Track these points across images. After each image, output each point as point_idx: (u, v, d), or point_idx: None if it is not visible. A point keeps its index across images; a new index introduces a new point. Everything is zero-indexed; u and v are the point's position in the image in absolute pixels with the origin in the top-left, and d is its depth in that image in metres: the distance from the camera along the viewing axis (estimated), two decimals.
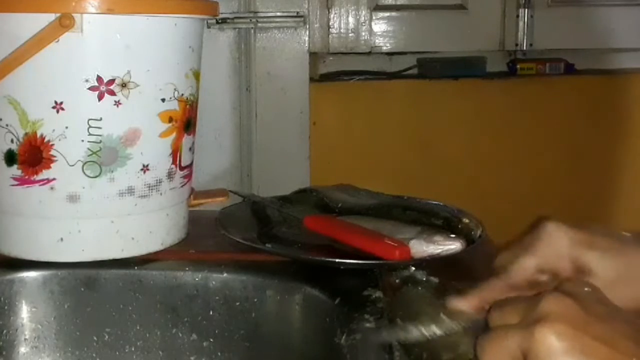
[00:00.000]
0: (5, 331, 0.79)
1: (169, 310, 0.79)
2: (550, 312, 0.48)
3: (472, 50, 1.95)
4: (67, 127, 0.76)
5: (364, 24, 1.88)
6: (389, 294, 0.71)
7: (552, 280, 0.57)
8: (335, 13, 1.87)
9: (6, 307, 0.78)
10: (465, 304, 0.61)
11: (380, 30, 1.89)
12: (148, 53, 0.78)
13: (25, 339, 0.80)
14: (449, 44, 1.92)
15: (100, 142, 0.77)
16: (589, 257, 0.56)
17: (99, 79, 0.75)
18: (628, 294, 0.55)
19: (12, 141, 0.77)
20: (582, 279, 0.54)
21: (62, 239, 0.79)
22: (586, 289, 0.50)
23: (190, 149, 0.86)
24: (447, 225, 0.85)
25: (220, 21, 1.72)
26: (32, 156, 0.77)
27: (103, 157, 0.77)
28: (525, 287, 0.58)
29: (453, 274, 0.74)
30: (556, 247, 0.57)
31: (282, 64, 1.76)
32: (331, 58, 1.94)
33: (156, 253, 0.83)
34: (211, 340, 0.79)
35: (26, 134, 0.76)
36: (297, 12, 1.74)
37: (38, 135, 0.76)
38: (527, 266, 0.58)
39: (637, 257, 0.57)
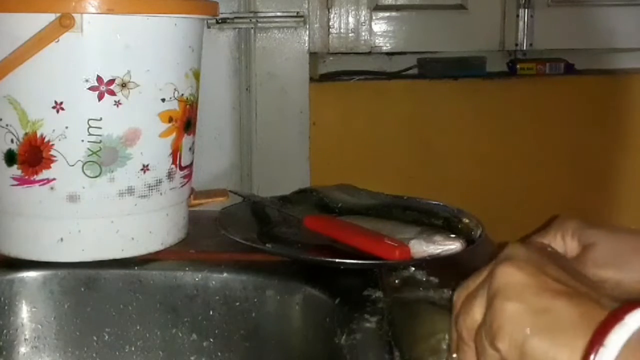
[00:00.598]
0: (5, 331, 0.79)
1: (169, 310, 0.79)
2: (512, 254, 0.50)
3: (472, 50, 1.94)
4: (67, 127, 0.76)
5: (364, 24, 1.88)
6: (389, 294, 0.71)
7: None
8: (335, 13, 1.87)
9: (6, 307, 0.78)
10: None
11: (380, 30, 1.89)
12: (148, 53, 0.78)
13: (25, 339, 0.80)
14: (449, 44, 1.92)
15: (100, 142, 0.77)
16: (591, 232, 0.63)
17: (99, 79, 0.75)
18: (629, 268, 0.62)
19: (12, 141, 0.77)
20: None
21: (62, 239, 0.79)
22: (549, 249, 0.54)
23: (190, 149, 0.86)
24: (447, 225, 0.85)
25: (220, 21, 1.71)
26: (32, 156, 0.77)
27: (103, 157, 0.77)
28: None
29: (453, 274, 0.74)
30: (565, 231, 0.64)
31: (282, 64, 1.76)
32: (331, 58, 1.94)
33: (156, 253, 0.83)
34: (211, 340, 0.79)
35: (26, 134, 0.76)
36: (297, 12, 1.74)
37: (38, 135, 0.76)
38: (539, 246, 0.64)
39: (635, 236, 0.63)
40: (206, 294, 0.79)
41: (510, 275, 0.48)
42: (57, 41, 0.74)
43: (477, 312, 0.50)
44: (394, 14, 1.89)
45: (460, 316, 0.52)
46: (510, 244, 0.52)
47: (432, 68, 1.93)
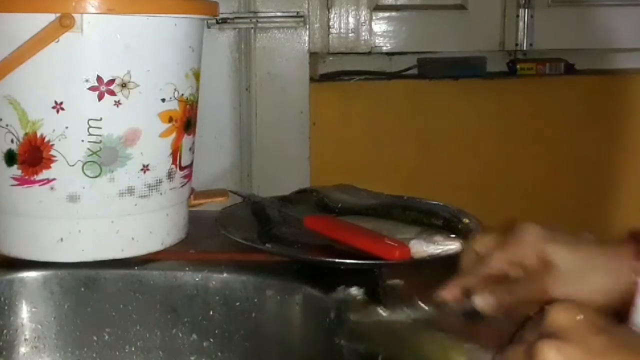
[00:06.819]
0: (5, 331, 0.79)
1: (169, 310, 0.79)
2: (556, 327, 0.48)
3: (472, 50, 1.94)
4: (67, 127, 0.76)
5: (364, 24, 1.88)
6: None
7: (521, 273, 0.63)
8: (335, 13, 1.87)
9: (6, 307, 0.78)
10: (448, 294, 0.66)
11: (380, 30, 1.89)
12: (148, 53, 0.78)
13: (25, 339, 0.80)
14: (449, 44, 1.92)
15: (100, 142, 0.77)
16: (551, 249, 0.62)
17: (99, 79, 0.75)
18: (590, 285, 0.60)
19: (12, 141, 0.77)
20: (573, 305, 0.53)
21: (62, 239, 0.79)
22: (578, 317, 0.50)
23: (190, 149, 0.86)
24: (447, 225, 0.85)
25: (220, 21, 1.72)
26: (32, 156, 0.77)
27: (103, 157, 0.77)
28: (497, 277, 0.65)
29: (453, 274, 0.73)
30: (525, 243, 0.63)
31: (282, 64, 1.76)
32: (331, 58, 1.94)
33: (156, 253, 0.83)
34: (211, 340, 0.79)
35: (26, 134, 0.76)
36: (297, 12, 1.74)
37: (38, 135, 0.76)
38: (499, 258, 0.65)
39: (595, 252, 0.62)
40: (206, 294, 0.79)
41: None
42: (57, 41, 0.73)
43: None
44: (394, 14, 1.89)
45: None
46: (545, 343, 0.48)
47: (432, 68, 1.93)
